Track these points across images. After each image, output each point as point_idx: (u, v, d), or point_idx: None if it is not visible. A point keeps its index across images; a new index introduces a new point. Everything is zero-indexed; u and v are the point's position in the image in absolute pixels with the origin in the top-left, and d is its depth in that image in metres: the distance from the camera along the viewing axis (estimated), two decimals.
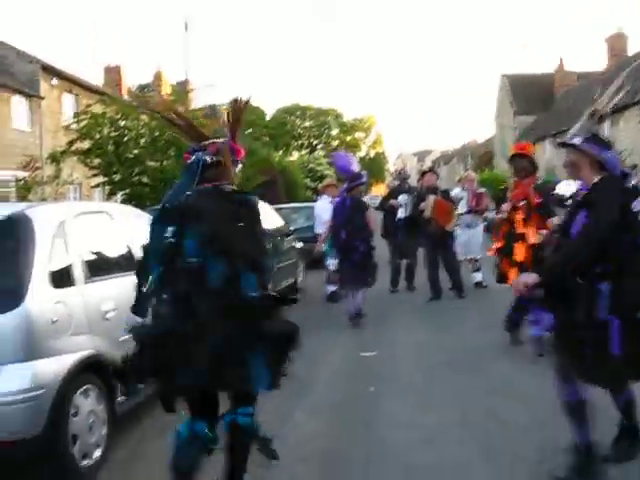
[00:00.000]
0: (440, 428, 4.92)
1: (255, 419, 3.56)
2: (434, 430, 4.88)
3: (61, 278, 4.33)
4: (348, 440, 4.78)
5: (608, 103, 3.97)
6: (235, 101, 3.79)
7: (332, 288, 11.05)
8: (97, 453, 4.33)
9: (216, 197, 3.50)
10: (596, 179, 3.73)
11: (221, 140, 3.72)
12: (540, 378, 5.97)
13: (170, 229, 3.47)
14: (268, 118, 59.13)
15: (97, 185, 16.98)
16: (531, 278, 3.70)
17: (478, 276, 11.86)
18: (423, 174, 11.88)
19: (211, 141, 3.69)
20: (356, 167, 9.60)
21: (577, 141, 3.77)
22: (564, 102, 41.23)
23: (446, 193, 11.24)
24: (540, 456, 4.30)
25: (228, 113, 3.84)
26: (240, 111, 3.78)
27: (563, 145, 3.90)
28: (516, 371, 6.33)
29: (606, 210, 3.57)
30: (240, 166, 3.92)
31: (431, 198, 10.52)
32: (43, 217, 4.48)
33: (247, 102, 3.84)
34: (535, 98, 44.66)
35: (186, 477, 3.49)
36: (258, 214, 3.58)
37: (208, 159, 3.58)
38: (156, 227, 3.62)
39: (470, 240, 11.70)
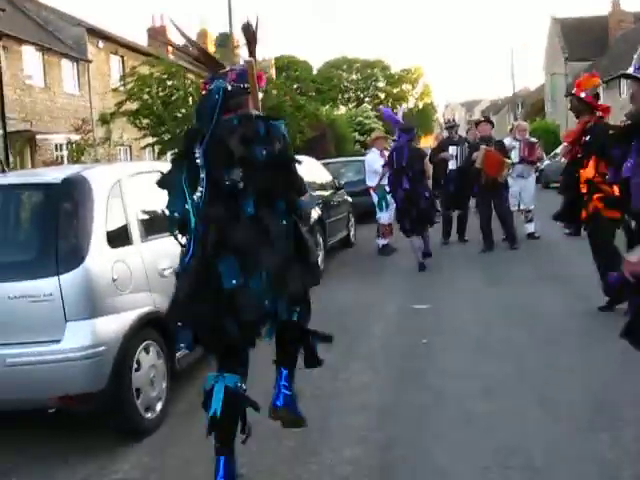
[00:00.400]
0: (497, 378, 4.93)
1: None
2: (490, 380, 4.89)
3: (119, 237, 4.42)
4: (405, 390, 4.83)
5: None
6: (247, 27, 3.51)
7: (383, 242, 11.07)
8: (159, 406, 4.47)
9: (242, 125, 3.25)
10: None
11: (240, 65, 3.48)
12: (599, 328, 5.93)
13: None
14: (315, 72, 58.61)
15: (147, 146, 17.16)
16: None
17: (531, 227, 11.72)
18: (477, 123, 11.67)
19: (229, 68, 3.45)
20: (401, 118, 10.10)
21: (637, 72, 3.45)
22: (620, 46, 39.76)
23: (500, 144, 11.02)
24: (596, 404, 4.29)
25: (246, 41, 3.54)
26: (253, 37, 3.50)
27: (625, 77, 3.68)
28: (573, 321, 6.28)
29: None
30: (261, 95, 3.65)
31: (482, 149, 10.37)
32: (99, 178, 4.55)
33: (256, 27, 3.52)
34: (588, 42, 43.18)
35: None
36: (287, 141, 3.36)
37: (229, 87, 3.32)
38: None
39: (523, 191, 11.55)
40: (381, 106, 10.25)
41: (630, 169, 3.35)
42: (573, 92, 6.69)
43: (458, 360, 5.43)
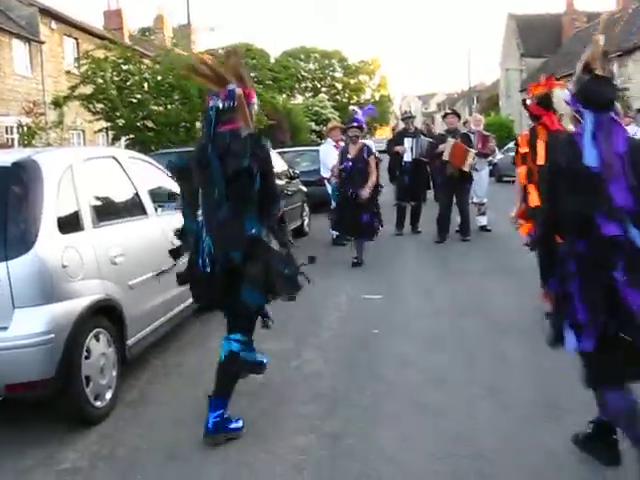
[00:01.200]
0: (447, 368, 5.00)
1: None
2: (441, 370, 4.97)
3: (70, 223, 4.35)
4: (356, 379, 4.87)
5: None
6: (228, 55, 4.12)
7: (337, 232, 11.11)
8: (109, 394, 4.41)
9: (229, 141, 3.82)
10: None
11: (231, 85, 3.90)
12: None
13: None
14: (272, 61, 58.32)
15: (100, 130, 16.87)
16: None
17: (483, 220, 11.90)
18: (445, 116, 11.76)
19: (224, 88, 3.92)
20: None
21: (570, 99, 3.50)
22: (573, 44, 40.44)
23: (466, 136, 11.13)
24: (543, 395, 4.40)
25: (226, 64, 4.03)
26: (235, 64, 4.02)
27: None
28: (523, 313, 6.40)
29: None
30: (255, 108, 4.15)
31: (450, 141, 10.46)
32: (50, 162, 4.46)
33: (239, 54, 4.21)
34: (543, 40, 43.84)
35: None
36: (269, 156, 3.95)
37: (220, 105, 3.86)
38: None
39: (476, 184, 11.67)
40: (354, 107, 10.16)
41: None
42: (524, 98, 6.51)
43: (409, 350, 5.49)
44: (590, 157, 3.11)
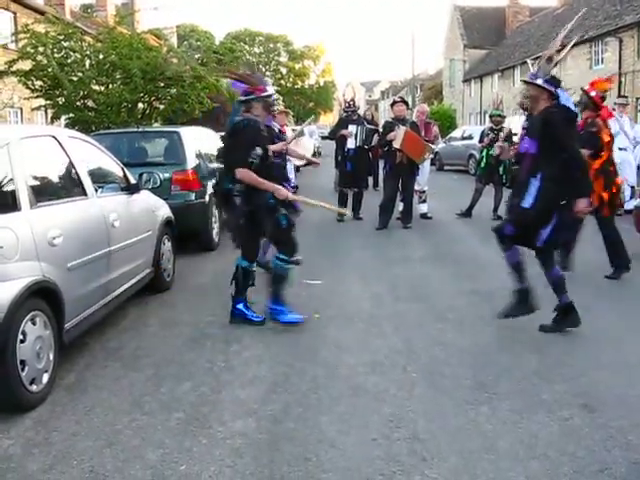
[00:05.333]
0: (386, 353, 5.07)
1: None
2: (380, 355, 5.03)
3: (5, 203, 4.23)
4: (296, 363, 4.89)
5: (561, 50, 5.31)
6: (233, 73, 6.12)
7: None
8: (45, 379, 4.32)
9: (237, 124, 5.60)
10: (543, 108, 5.23)
11: (244, 86, 5.67)
12: (485, 307, 6.20)
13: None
14: (217, 43, 57.65)
15: (38, 107, 16.38)
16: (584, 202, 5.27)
17: (424, 207, 12.08)
18: (393, 104, 11.77)
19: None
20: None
21: (540, 81, 5.21)
22: (516, 37, 41.22)
23: (415, 125, 11.21)
24: (479, 379, 4.50)
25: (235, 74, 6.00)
26: (241, 76, 5.82)
27: (527, 83, 5.38)
28: (461, 299, 6.53)
29: (566, 134, 5.16)
30: (269, 100, 5.74)
31: (402, 129, 10.49)
32: None
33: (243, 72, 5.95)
34: (486, 31, 44.51)
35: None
36: (240, 135, 5.55)
37: (242, 98, 5.67)
38: None
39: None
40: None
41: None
42: (585, 89, 7.51)
43: (349, 335, 5.55)
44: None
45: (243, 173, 5.47)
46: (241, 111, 5.67)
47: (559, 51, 5.30)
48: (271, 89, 5.77)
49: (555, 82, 5.27)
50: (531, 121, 5.49)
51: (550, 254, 5.51)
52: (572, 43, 5.73)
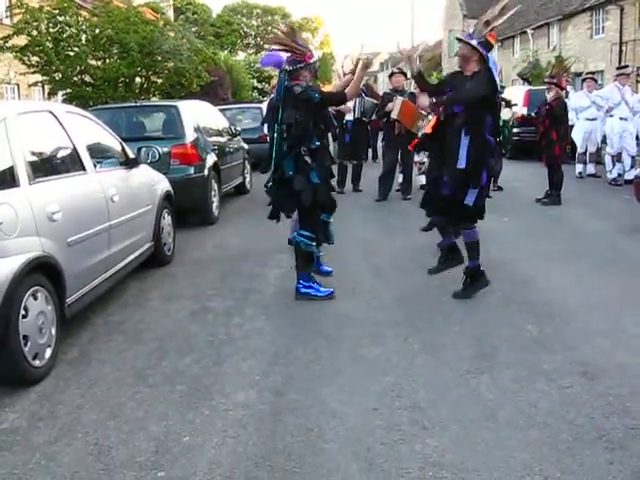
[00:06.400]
0: (387, 324, 5.09)
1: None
2: (381, 326, 5.06)
3: (4, 179, 4.23)
4: (297, 335, 4.92)
5: (498, 16, 5.48)
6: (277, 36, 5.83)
7: None
8: (48, 353, 4.35)
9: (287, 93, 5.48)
10: (476, 69, 5.38)
11: (289, 55, 5.55)
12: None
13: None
14: (214, 16, 57.14)
15: (36, 84, 16.29)
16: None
17: (423, 179, 12.01)
18: (391, 75, 11.69)
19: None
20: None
21: (474, 42, 5.38)
22: (515, 7, 40.63)
23: (413, 96, 11.15)
24: (479, 349, 4.52)
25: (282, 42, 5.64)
26: (284, 40, 5.60)
27: (461, 41, 5.53)
28: (461, 270, 6.53)
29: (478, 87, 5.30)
30: (315, 65, 5.70)
31: (399, 99, 10.42)
32: None
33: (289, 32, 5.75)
34: (485, 1, 43.84)
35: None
36: (307, 103, 5.44)
37: (287, 67, 5.52)
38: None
39: None
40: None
41: None
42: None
43: (350, 307, 5.57)
44: None
45: (348, 92, 5.74)
46: (286, 80, 5.50)
47: (497, 17, 5.48)
48: (316, 54, 5.78)
49: (488, 46, 5.45)
50: (459, 82, 5.51)
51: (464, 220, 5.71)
52: (512, 11, 6.15)
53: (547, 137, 10.32)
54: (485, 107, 5.39)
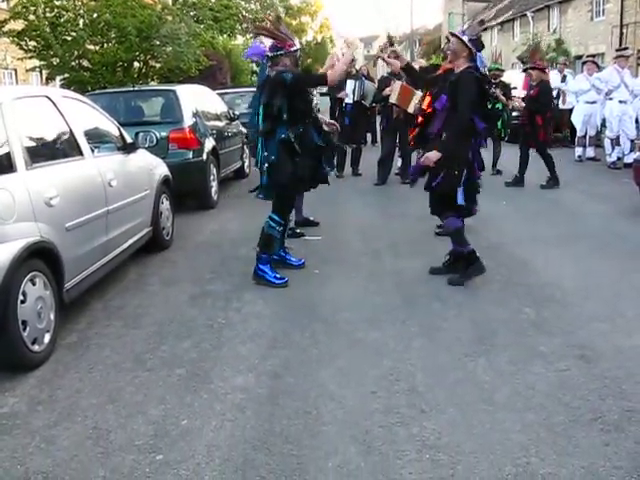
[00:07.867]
0: (385, 308, 5.11)
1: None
2: (379, 310, 5.07)
3: (1, 165, 4.22)
4: (295, 319, 4.93)
5: (495, 17, 5.83)
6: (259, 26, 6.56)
7: None
8: (47, 338, 4.36)
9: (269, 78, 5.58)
10: (463, 67, 5.41)
11: (270, 42, 5.68)
12: (480, 260, 6.20)
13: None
14: (212, 0, 56.78)
15: (33, 69, 16.22)
16: (435, 155, 5.39)
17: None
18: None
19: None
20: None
21: (466, 38, 5.47)
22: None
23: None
24: (479, 332, 4.54)
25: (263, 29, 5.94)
26: (271, 31, 5.72)
27: (454, 36, 5.62)
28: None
29: (469, 95, 5.32)
30: (296, 54, 5.76)
31: (397, 83, 10.38)
32: None
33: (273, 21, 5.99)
34: None
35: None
36: (281, 87, 5.48)
37: (268, 54, 5.66)
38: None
39: None
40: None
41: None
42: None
43: (348, 290, 5.58)
44: None
45: (330, 74, 5.68)
46: (268, 66, 5.67)
47: (492, 18, 6.00)
48: (298, 44, 5.86)
49: (479, 45, 5.58)
50: (447, 78, 5.57)
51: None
52: (506, 16, 6.76)
53: (532, 122, 10.40)
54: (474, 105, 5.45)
